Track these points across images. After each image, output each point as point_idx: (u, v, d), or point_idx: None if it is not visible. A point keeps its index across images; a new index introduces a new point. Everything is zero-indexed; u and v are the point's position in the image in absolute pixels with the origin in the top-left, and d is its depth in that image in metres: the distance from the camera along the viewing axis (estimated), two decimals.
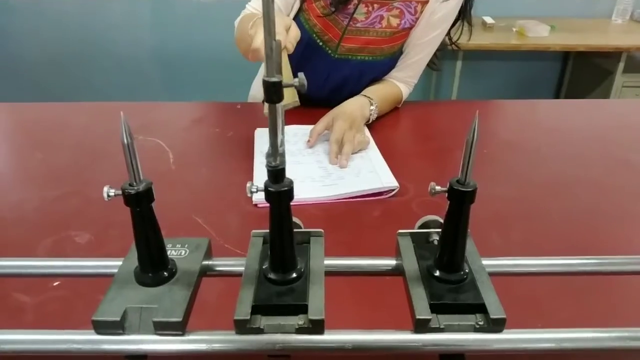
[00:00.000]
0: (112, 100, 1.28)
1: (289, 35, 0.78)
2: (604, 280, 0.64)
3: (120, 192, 0.39)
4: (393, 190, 0.84)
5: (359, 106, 1.03)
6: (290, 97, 0.74)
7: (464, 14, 1.10)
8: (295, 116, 1.13)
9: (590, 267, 0.50)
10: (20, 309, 0.60)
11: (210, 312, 0.49)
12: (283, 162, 0.33)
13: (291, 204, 0.84)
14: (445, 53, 1.22)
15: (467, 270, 0.44)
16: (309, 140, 0.99)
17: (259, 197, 0.81)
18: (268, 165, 0.32)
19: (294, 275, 0.43)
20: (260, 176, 0.88)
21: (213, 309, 0.52)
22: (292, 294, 0.42)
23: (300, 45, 1.09)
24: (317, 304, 0.41)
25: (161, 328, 0.40)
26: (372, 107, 1.05)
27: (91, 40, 2.90)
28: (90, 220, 0.77)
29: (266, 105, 0.34)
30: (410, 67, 1.15)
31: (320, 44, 1.09)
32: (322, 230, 0.49)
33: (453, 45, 1.16)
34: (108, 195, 0.39)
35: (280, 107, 0.32)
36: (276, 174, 0.32)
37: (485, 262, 0.46)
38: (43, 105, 1.26)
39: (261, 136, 1.03)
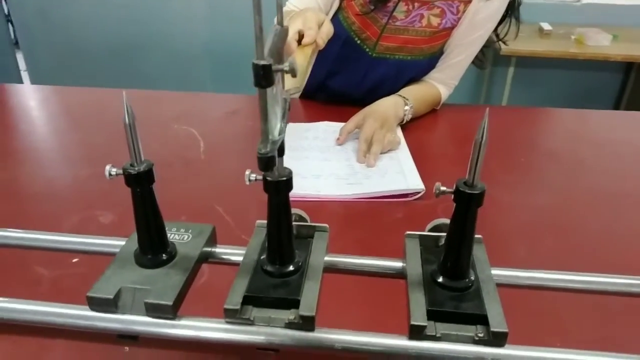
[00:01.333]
0: (163, 89, 1.31)
1: (320, 31, 0.77)
2: (635, 302, 0.59)
3: (121, 171, 0.40)
4: (419, 192, 0.81)
5: (393, 105, 1.00)
6: (293, 82, 0.73)
7: (511, 10, 1.05)
8: (328, 113, 1.12)
9: (620, 287, 0.47)
10: (37, 282, 0.62)
11: (217, 298, 0.49)
12: (274, 150, 0.31)
13: (313, 199, 0.83)
14: (497, 59, 1.18)
15: (472, 278, 0.41)
16: (338, 138, 0.97)
17: None
18: (258, 152, 0.31)
19: (291, 268, 0.42)
20: None
21: (221, 295, 0.52)
22: (286, 287, 0.41)
23: (337, 43, 1.08)
24: (309, 300, 0.39)
25: (152, 310, 0.40)
26: (406, 108, 1.02)
27: (149, 32, 3.00)
28: (116, 202, 0.78)
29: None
30: (450, 68, 1.11)
31: (358, 42, 1.07)
32: (327, 226, 0.48)
33: (500, 42, 1.11)
34: (109, 174, 0.40)
35: (271, 92, 0.31)
36: (266, 161, 0.31)
37: (495, 271, 0.44)
38: (89, 89, 1.31)
39: (291, 131, 1.03)
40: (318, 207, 0.79)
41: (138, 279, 0.41)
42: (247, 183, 0.39)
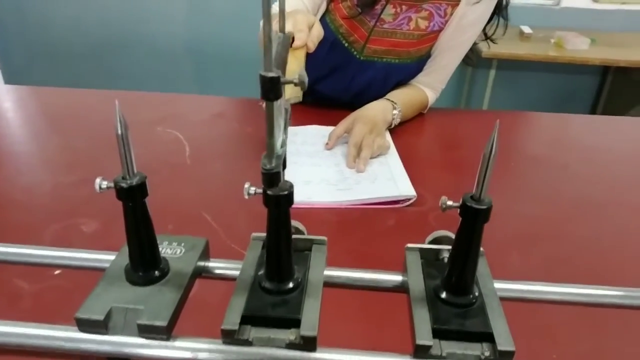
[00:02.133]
0: (145, 90, 1.28)
1: (311, 34, 0.76)
2: (629, 315, 0.59)
3: (112, 184, 0.38)
4: (410, 199, 0.81)
5: (381, 110, 1.00)
6: (294, 92, 0.72)
7: (499, 10, 1.05)
8: (316, 117, 1.11)
9: (616, 299, 0.46)
10: (18, 296, 0.59)
11: (211, 314, 0.47)
12: (279, 165, 0.30)
13: (303, 206, 0.81)
14: (479, 61, 1.18)
15: (476, 294, 0.40)
16: (327, 143, 0.96)
17: None
18: (263, 168, 0.29)
19: (290, 285, 0.41)
20: None
21: (214, 311, 0.50)
22: (286, 306, 0.39)
23: (325, 46, 1.07)
24: (311, 319, 0.38)
25: (145, 331, 0.38)
26: (394, 112, 1.02)
27: (128, 31, 2.94)
28: (100, 210, 0.76)
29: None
30: (437, 72, 1.11)
31: (346, 45, 1.06)
32: (325, 238, 0.46)
33: (488, 40, 1.11)
34: (100, 188, 0.38)
35: (277, 105, 0.29)
36: (271, 177, 0.30)
37: (498, 285, 0.43)
38: (68, 90, 1.27)
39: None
40: (307, 214, 0.78)
41: (129, 298, 0.39)
42: (246, 197, 0.37)
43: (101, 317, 0.37)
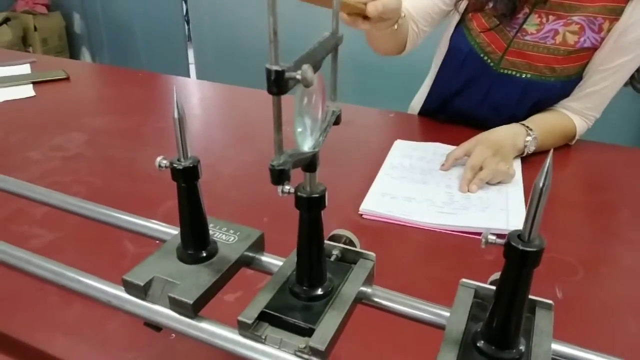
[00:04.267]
0: None
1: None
2: None
3: (169, 164, 0.41)
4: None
5: (511, 135, 0.90)
6: None
7: None
8: (442, 133, 1.05)
9: None
10: (122, 256, 0.68)
11: None
12: (288, 163, 0.29)
13: (396, 221, 0.78)
14: None
15: (522, 350, 0.34)
16: (444, 164, 0.91)
17: (366, 208, 0.77)
18: (270, 164, 0.29)
19: (318, 292, 0.39)
20: (377, 185, 0.84)
21: None
22: (306, 312, 0.38)
23: (459, 57, 1.01)
24: (326, 331, 0.36)
25: (174, 304, 0.40)
26: (528, 138, 0.91)
27: (297, 39, 3.15)
28: (219, 195, 0.82)
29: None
30: (589, 97, 0.96)
31: (482, 55, 0.98)
32: (373, 254, 0.44)
33: None
34: (159, 166, 0.41)
35: (300, 100, 0.28)
36: (277, 174, 0.29)
37: (560, 348, 0.36)
38: (242, 89, 1.38)
39: (398, 148, 0.99)
40: (400, 232, 0.74)
41: (172, 272, 0.42)
42: (280, 195, 0.37)
43: (142, 283, 0.41)
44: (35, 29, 3.50)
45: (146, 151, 1.00)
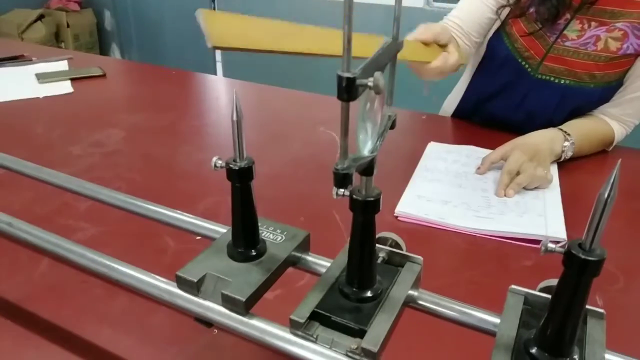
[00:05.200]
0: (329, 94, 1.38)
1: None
2: None
3: (224, 164, 0.42)
4: (559, 243, 0.71)
5: (549, 139, 0.89)
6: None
7: None
8: (477, 137, 1.05)
9: None
10: (162, 251, 0.69)
11: None
12: (352, 167, 0.30)
13: (433, 225, 0.78)
14: None
15: (576, 359, 0.34)
16: (479, 167, 0.90)
17: (401, 210, 0.77)
18: (334, 168, 0.30)
19: (368, 294, 0.40)
20: (413, 188, 0.84)
21: None
22: (357, 313, 0.39)
23: (496, 60, 1.00)
24: (377, 333, 0.37)
25: (227, 301, 0.41)
26: (566, 144, 0.90)
27: None
28: (255, 195, 0.83)
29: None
30: (630, 103, 0.95)
31: (520, 60, 0.97)
32: (420, 258, 0.44)
33: None
34: (215, 165, 0.42)
35: (363, 106, 0.29)
36: (341, 178, 0.30)
37: (612, 357, 0.36)
38: (266, 87, 1.40)
39: (432, 150, 0.99)
40: (436, 235, 0.74)
41: (224, 269, 0.43)
42: (335, 197, 0.37)
43: (195, 280, 0.42)
44: (68, 25, 3.58)
45: (183, 148, 1.02)
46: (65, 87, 1.31)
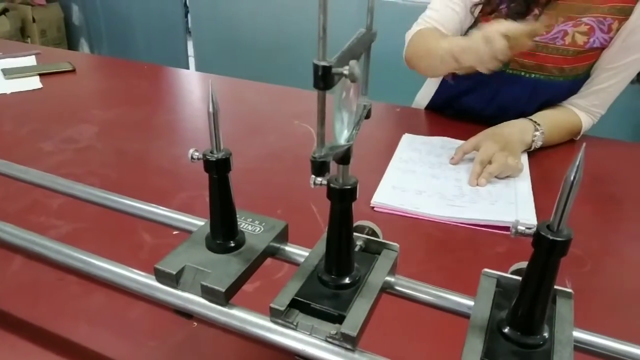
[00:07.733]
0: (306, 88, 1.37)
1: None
2: None
3: (201, 156, 0.42)
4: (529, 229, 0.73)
5: (519, 130, 0.92)
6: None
7: None
8: (450, 129, 1.07)
9: None
10: (139, 247, 0.69)
11: None
12: (329, 155, 0.30)
13: (408, 214, 0.79)
14: None
15: (546, 336, 0.36)
16: (453, 157, 0.92)
17: (377, 200, 0.79)
18: (312, 156, 0.30)
19: (346, 281, 0.41)
20: (388, 179, 0.85)
21: None
22: (336, 300, 0.39)
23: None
24: (356, 318, 0.37)
25: (206, 292, 0.41)
26: (536, 133, 0.93)
27: (306, 33, 3.15)
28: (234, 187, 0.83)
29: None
30: (596, 95, 0.98)
31: None
32: (397, 245, 0.45)
33: None
34: (192, 157, 0.42)
35: (338, 95, 0.30)
36: (318, 166, 0.30)
37: (580, 335, 0.37)
38: (240, 81, 1.40)
39: (406, 142, 1.00)
40: (412, 224, 0.76)
41: (202, 261, 0.43)
42: (312, 187, 0.38)
43: (174, 272, 0.42)
44: (34, 20, 3.48)
45: (157, 143, 1.00)
46: (33, 82, 1.27)
